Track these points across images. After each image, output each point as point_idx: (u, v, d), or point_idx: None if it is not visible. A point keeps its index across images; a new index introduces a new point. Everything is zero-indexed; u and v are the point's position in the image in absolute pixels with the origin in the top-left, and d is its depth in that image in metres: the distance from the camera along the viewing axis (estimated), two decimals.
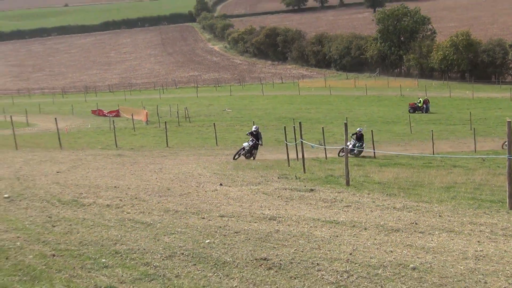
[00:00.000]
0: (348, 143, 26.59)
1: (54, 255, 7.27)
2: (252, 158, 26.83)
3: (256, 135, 27.18)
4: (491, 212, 11.60)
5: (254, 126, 28.33)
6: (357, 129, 29.03)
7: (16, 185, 13.55)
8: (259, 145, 27.55)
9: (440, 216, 11.22)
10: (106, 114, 60.70)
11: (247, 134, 27.93)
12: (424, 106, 59.24)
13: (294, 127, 23.56)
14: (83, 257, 7.23)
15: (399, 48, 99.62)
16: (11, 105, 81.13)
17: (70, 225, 9.21)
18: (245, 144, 26.83)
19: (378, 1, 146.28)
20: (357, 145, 28.37)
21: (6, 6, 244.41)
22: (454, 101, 69.50)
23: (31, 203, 11.23)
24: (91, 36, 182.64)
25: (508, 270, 7.18)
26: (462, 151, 32.62)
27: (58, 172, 16.94)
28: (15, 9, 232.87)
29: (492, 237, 9.20)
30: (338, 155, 28.08)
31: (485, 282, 6.60)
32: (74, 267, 6.77)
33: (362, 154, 29.08)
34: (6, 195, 11.87)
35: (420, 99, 61.44)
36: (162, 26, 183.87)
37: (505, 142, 32.77)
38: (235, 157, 26.25)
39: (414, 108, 59.10)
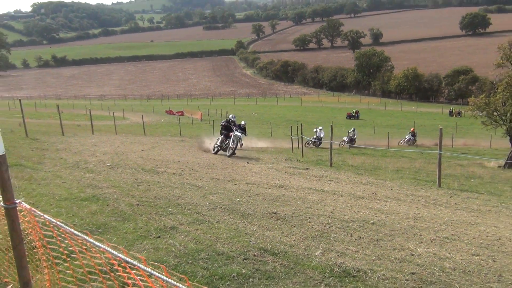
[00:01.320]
0: (236, 134, 25.41)
1: (138, 204, 7.34)
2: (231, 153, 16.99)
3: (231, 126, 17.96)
4: (426, 188, 11.51)
5: (232, 115, 18.99)
6: (242, 122, 26.66)
7: (115, 158, 13.67)
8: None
9: (391, 189, 11.14)
10: (175, 114, 60.77)
11: (222, 124, 18.43)
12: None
13: (297, 127, 23.49)
14: (157, 207, 7.28)
15: (369, 77, 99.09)
16: (113, 105, 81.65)
17: (149, 185, 9.27)
18: (237, 133, 17.40)
19: (356, 45, 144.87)
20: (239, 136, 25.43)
21: (111, 41, 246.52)
22: (404, 113, 68.95)
23: (124, 170, 11.32)
24: (166, 62, 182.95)
25: (436, 227, 7.14)
26: (408, 146, 32.37)
27: (142, 150, 17.04)
28: (118, 43, 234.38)
29: (426, 205, 9.14)
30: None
31: (420, 235, 6.56)
32: (150, 213, 6.83)
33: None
34: (108, 164, 11.97)
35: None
36: (213, 57, 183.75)
37: (400, 141, 32.65)
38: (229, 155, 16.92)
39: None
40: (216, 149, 18.24)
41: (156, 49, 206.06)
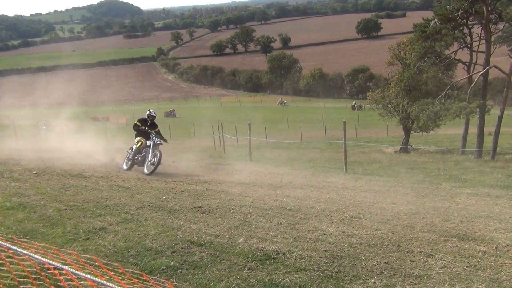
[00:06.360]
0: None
1: (66, 209, 6.96)
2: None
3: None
4: (335, 174, 11.97)
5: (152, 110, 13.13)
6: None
7: (41, 165, 12.87)
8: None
9: (305, 177, 11.46)
10: (100, 119, 58.52)
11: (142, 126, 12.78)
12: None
13: (218, 126, 23.45)
14: (85, 210, 6.95)
15: (281, 78, 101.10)
16: (37, 114, 76.92)
17: (77, 190, 8.82)
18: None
19: (268, 49, 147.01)
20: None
21: (32, 51, 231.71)
22: (314, 109, 71.09)
23: (51, 176, 10.68)
24: (90, 70, 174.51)
25: (344, 209, 7.43)
26: (317, 138, 33.45)
27: (68, 155, 16.19)
28: (39, 53, 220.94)
29: (335, 189, 9.50)
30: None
31: (331, 216, 6.80)
32: (79, 216, 6.50)
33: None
34: (34, 172, 11.24)
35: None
36: (135, 64, 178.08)
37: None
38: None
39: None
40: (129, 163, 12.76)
41: (78, 58, 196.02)
